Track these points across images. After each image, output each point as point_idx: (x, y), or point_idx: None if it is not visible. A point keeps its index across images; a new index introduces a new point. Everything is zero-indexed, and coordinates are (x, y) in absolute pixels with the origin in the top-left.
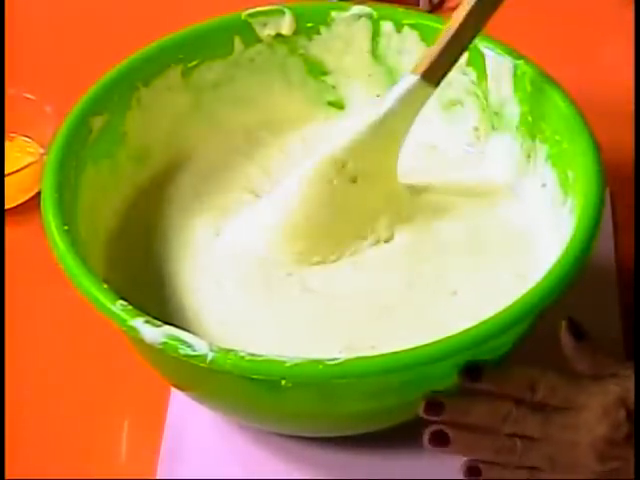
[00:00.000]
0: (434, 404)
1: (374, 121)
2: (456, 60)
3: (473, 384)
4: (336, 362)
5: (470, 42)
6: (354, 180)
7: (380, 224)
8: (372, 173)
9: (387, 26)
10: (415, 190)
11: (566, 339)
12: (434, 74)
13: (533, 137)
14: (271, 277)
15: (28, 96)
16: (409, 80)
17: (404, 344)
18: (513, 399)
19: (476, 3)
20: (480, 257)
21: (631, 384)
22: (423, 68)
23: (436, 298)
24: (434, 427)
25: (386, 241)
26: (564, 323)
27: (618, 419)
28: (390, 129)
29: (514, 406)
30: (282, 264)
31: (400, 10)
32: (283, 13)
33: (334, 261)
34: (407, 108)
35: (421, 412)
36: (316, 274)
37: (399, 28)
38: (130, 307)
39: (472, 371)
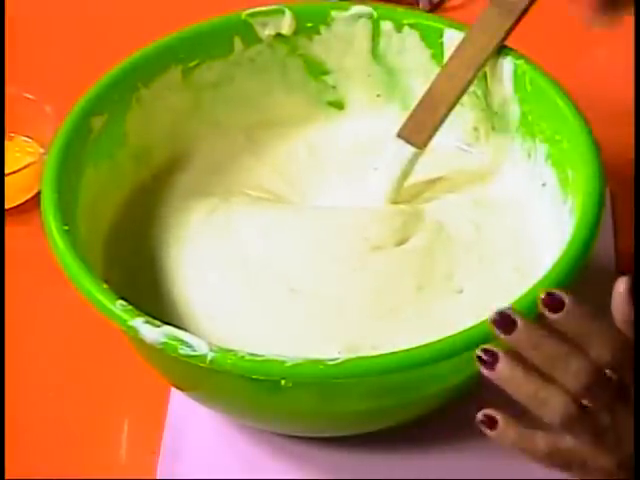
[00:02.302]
0: (506, 318)
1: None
2: (440, 121)
3: (503, 335)
4: (336, 362)
5: (454, 103)
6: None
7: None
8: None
9: (387, 26)
10: (418, 192)
11: (620, 301)
12: (410, 134)
13: (533, 137)
14: (267, 278)
15: (28, 96)
16: (393, 142)
17: (406, 344)
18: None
19: (450, 63)
20: (484, 255)
21: None
22: (399, 128)
23: (443, 297)
24: (487, 346)
25: (399, 245)
26: (621, 285)
27: None
28: (381, 190)
29: (594, 367)
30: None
31: (400, 10)
32: (283, 13)
33: (321, 260)
34: (393, 169)
35: (489, 322)
36: (313, 274)
37: (399, 28)
38: (130, 307)
39: (505, 320)
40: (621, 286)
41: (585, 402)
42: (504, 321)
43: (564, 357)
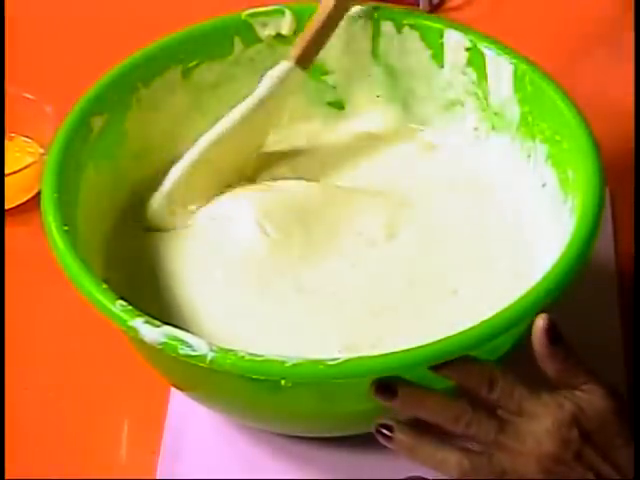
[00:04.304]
0: (386, 387)
1: (250, 107)
2: (325, 43)
3: (388, 402)
4: (336, 362)
5: (338, 23)
6: None
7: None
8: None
9: (387, 26)
10: (416, 191)
11: (539, 339)
12: (307, 59)
13: (533, 137)
14: (267, 277)
15: (28, 96)
16: (284, 67)
17: (405, 343)
18: (470, 398)
19: None
20: (480, 256)
21: (588, 406)
22: (296, 54)
23: (437, 297)
24: (382, 420)
25: (388, 240)
26: (541, 321)
27: (569, 437)
28: (265, 114)
29: (470, 409)
30: (273, 262)
31: (400, 10)
32: (283, 13)
33: (319, 258)
34: (281, 94)
35: (372, 393)
36: (311, 273)
37: (399, 28)
38: (130, 307)
39: (386, 389)
40: (540, 322)
41: (476, 447)
42: (385, 389)
43: (443, 407)
